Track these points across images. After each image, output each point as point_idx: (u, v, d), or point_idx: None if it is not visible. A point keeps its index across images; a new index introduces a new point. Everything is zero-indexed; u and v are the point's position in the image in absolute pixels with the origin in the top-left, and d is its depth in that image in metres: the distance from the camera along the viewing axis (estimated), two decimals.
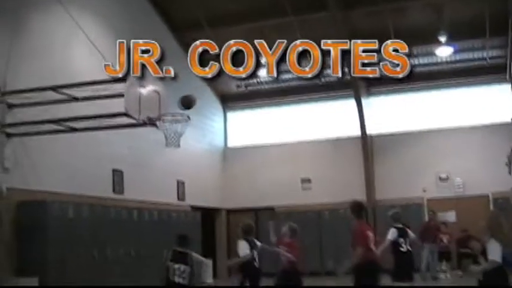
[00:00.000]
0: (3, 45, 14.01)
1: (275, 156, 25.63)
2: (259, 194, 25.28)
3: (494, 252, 7.71)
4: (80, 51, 16.85)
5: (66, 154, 16.11)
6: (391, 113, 25.09)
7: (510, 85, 23.56)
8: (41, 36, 15.74)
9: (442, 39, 21.88)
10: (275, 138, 26.25)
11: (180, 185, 22.42)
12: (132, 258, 17.38)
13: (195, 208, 22.86)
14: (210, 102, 25.88)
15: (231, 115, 27.43)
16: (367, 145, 24.24)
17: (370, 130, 24.50)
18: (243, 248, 10.57)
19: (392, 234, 12.83)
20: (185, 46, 23.82)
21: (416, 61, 23.95)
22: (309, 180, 25.25)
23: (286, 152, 25.55)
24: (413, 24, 22.03)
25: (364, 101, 24.21)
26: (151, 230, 18.49)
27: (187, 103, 12.83)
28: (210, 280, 21.68)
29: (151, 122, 13.25)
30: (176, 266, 10.47)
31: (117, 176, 18.61)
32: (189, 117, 13.32)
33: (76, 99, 14.01)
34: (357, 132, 24.34)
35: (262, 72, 24.18)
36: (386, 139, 24.54)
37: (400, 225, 13.07)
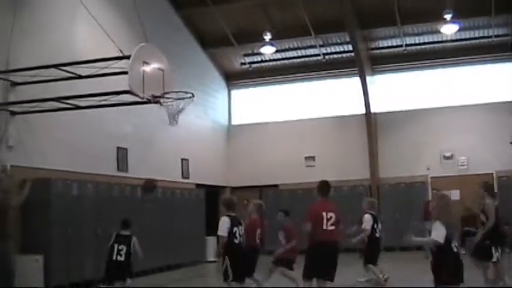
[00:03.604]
0: (5, 23, 13.92)
1: (279, 133, 25.63)
2: (263, 171, 25.34)
3: (436, 232, 7.63)
4: (82, 28, 16.81)
5: (70, 132, 16.10)
6: (396, 91, 25.01)
7: None
8: (44, 13, 15.68)
9: (447, 17, 21.77)
10: (279, 116, 26.27)
11: (184, 162, 22.43)
12: (135, 236, 17.38)
13: (199, 186, 22.89)
14: (214, 80, 25.87)
15: (235, 93, 27.39)
16: (371, 123, 24.19)
17: (375, 108, 24.43)
18: (223, 226, 10.47)
19: (369, 221, 13.33)
20: (189, 23, 23.86)
21: (421, 39, 23.87)
22: (313, 158, 25.26)
23: (291, 130, 25.54)
24: (419, 2, 21.90)
25: (369, 79, 24.12)
26: (155, 207, 18.52)
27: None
28: (212, 258, 21.74)
29: (155, 100, 13.19)
30: (118, 246, 11.72)
31: (121, 154, 18.61)
32: (193, 95, 13.24)
33: (80, 76, 13.97)
34: (361, 110, 24.29)
35: (266, 50, 24.40)
36: (391, 117, 24.48)
37: (374, 212, 13.63)
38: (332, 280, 10.17)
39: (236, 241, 10.51)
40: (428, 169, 23.66)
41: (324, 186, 10.51)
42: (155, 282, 16.62)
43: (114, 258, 11.70)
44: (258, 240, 12.13)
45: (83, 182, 15.83)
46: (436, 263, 7.76)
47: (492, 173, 22.68)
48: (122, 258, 11.70)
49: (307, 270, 10.17)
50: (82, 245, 15.04)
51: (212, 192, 24.51)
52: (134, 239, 11.95)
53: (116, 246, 11.75)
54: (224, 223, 10.48)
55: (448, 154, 23.55)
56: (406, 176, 23.54)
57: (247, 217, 12.30)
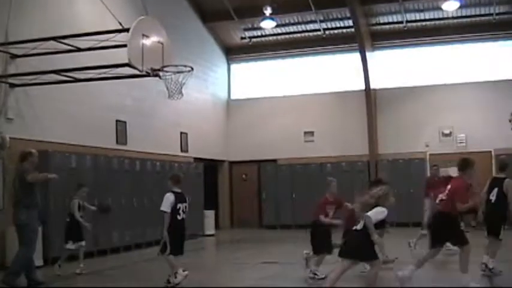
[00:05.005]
0: None
1: (278, 108, 25.63)
2: (262, 146, 25.40)
3: None
4: (82, 0, 16.76)
5: (69, 105, 16.10)
6: (396, 68, 24.96)
7: None
8: None
9: None
10: (279, 90, 26.24)
11: (183, 136, 22.44)
12: (134, 208, 17.51)
13: (197, 159, 22.93)
14: (213, 54, 25.79)
15: (234, 67, 27.33)
16: (371, 99, 24.16)
17: (374, 84, 24.39)
18: (167, 202, 10.61)
19: None
20: None
21: (422, 15, 23.78)
22: (311, 133, 25.28)
23: (290, 105, 25.54)
24: None
25: (369, 55, 24.06)
26: (153, 180, 18.56)
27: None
28: (211, 231, 21.84)
29: (154, 73, 13.19)
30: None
31: (121, 127, 18.62)
32: (192, 68, 13.22)
33: (79, 49, 13.95)
34: (361, 86, 24.24)
35: (266, 24, 24.29)
36: (390, 93, 24.47)
37: None
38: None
39: (179, 217, 10.74)
40: (427, 146, 23.68)
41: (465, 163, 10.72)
42: (152, 255, 16.69)
43: (68, 219, 13.32)
44: None
45: (81, 155, 15.89)
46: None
47: (490, 151, 22.71)
48: (68, 219, 13.27)
49: None
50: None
51: (211, 166, 24.59)
52: (73, 202, 13.22)
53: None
54: (168, 200, 10.64)
55: (447, 131, 23.58)
56: (405, 152, 23.60)
57: None
